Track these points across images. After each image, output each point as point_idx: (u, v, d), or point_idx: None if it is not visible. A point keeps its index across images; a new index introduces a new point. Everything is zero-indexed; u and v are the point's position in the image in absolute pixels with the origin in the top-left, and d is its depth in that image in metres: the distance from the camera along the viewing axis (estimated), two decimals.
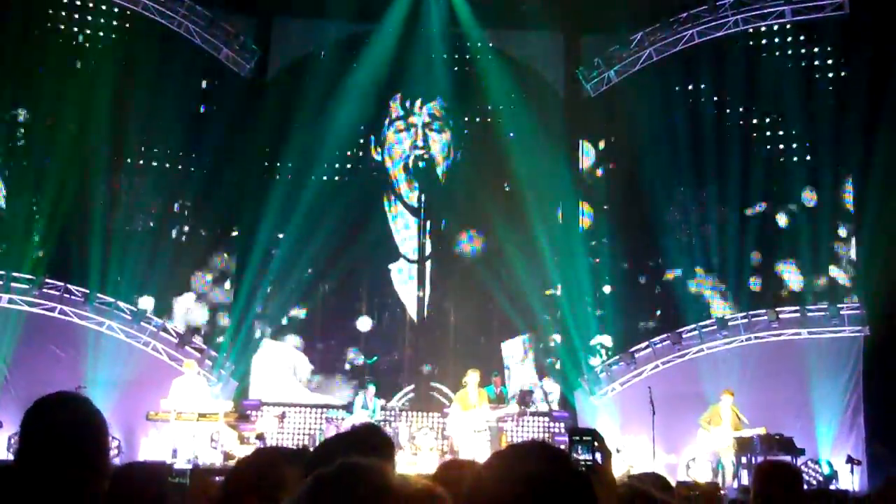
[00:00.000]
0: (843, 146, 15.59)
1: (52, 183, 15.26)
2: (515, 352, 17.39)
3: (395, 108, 17.87)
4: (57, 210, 15.13)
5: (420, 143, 17.85)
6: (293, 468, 2.74)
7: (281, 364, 17.01)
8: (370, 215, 17.50)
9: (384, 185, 17.85)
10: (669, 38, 16.77)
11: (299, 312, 17.20)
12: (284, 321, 17.13)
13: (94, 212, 15.58)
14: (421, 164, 17.80)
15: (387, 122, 17.89)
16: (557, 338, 17.11)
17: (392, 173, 17.85)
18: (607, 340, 16.87)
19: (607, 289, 17.19)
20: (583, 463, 2.29)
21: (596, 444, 2.33)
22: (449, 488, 2.70)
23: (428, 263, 17.63)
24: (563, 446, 2.22)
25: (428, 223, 17.73)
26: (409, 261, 17.62)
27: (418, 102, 17.82)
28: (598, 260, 17.33)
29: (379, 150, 17.85)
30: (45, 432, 2.60)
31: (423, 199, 17.78)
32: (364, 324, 17.31)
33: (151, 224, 16.29)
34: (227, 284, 16.87)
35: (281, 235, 16.76)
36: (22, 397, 13.45)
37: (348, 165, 17.81)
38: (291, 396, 16.85)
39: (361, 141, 17.80)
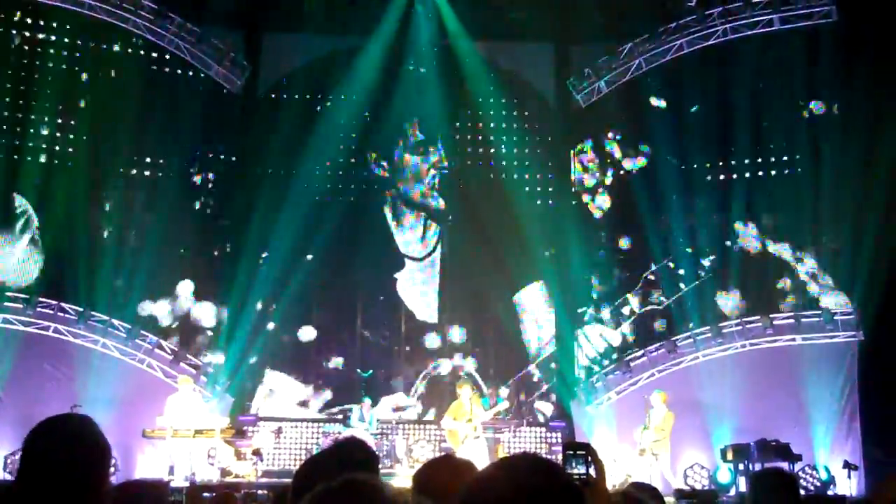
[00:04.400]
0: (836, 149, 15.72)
1: (45, 202, 15.30)
2: (533, 300, 17.37)
3: (408, 126, 17.86)
4: (50, 229, 15.16)
5: (430, 158, 17.89)
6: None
7: (284, 395, 17.00)
8: (372, 229, 17.48)
9: (386, 199, 17.82)
10: (659, 49, 16.84)
11: (301, 328, 17.15)
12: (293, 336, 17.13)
13: (86, 230, 15.57)
14: (427, 175, 17.85)
15: (399, 141, 17.85)
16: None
17: (399, 184, 17.85)
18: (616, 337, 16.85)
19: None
20: (577, 477, 2.30)
21: (590, 457, 2.34)
22: (432, 486, 2.73)
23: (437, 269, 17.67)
24: (557, 456, 2.24)
25: (436, 232, 17.77)
26: (414, 259, 17.61)
27: (417, 119, 17.84)
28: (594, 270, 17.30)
29: (385, 164, 17.83)
30: (47, 454, 2.60)
31: (429, 211, 17.84)
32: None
33: (144, 240, 16.21)
34: (215, 305, 16.80)
35: (265, 254, 16.75)
36: (17, 417, 13.42)
37: (347, 181, 17.66)
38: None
39: (352, 156, 17.71)
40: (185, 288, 16.46)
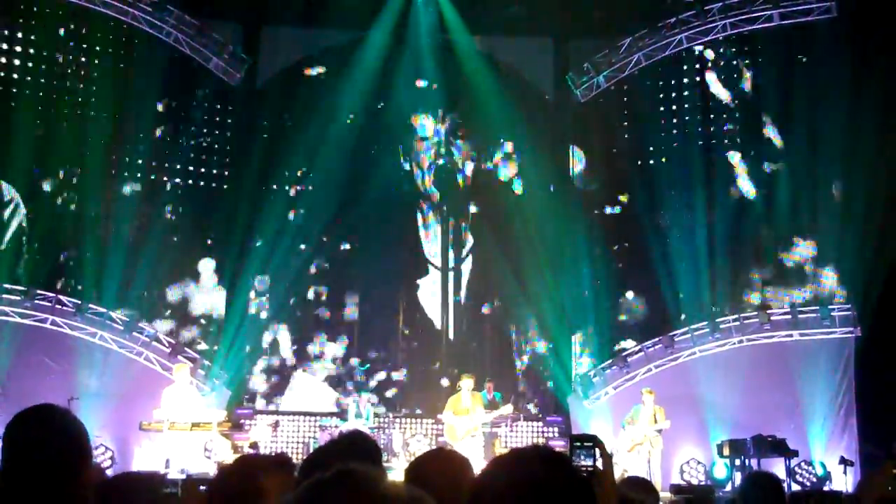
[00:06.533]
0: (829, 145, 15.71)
1: (43, 194, 15.26)
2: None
3: (418, 120, 17.86)
4: (47, 221, 15.14)
5: (440, 153, 17.90)
6: (273, 477, 2.76)
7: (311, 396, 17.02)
8: (400, 227, 17.51)
9: (411, 196, 17.83)
10: (658, 43, 16.81)
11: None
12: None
13: (85, 222, 15.55)
14: (436, 172, 17.87)
15: (412, 137, 17.86)
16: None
17: (419, 184, 17.85)
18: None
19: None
20: (584, 469, 2.29)
21: (597, 449, 2.34)
22: (426, 478, 2.73)
23: (451, 273, 17.70)
24: (562, 448, 2.23)
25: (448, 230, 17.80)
26: (436, 267, 17.65)
27: (439, 113, 17.88)
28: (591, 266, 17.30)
29: (407, 160, 17.82)
30: (24, 445, 2.60)
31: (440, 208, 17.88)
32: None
33: (144, 234, 16.19)
34: (223, 296, 16.79)
35: (259, 244, 16.73)
36: (14, 410, 13.30)
37: (348, 172, 17.48)
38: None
39: (354, 150, 17.62)
40: (207, 266, 16.49)
